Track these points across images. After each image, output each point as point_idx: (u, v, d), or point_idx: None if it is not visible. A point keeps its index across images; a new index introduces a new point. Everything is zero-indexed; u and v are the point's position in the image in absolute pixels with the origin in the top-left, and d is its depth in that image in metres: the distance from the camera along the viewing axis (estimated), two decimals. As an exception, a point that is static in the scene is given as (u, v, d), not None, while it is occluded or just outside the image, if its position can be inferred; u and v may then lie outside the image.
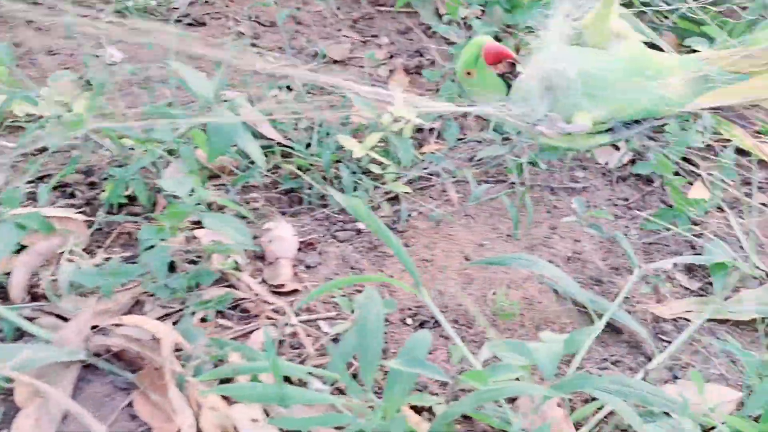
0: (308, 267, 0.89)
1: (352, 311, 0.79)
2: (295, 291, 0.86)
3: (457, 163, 1.08)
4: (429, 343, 0.67)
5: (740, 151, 1.20)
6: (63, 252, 0.80)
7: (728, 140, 1.22)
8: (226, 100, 0.89)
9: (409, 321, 0.83)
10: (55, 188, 0.93)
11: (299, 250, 0.92)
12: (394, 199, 1.02)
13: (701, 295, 0.93)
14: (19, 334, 0.73)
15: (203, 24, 1.46)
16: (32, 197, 0.91)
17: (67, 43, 1.25)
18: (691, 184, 1.12)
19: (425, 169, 1.05)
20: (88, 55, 1.20)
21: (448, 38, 1.43)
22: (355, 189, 0.99)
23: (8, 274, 0.78)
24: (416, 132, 1.16)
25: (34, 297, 0.78)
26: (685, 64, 0.77)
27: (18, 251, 0.80)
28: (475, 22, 1.30)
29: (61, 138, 0.88)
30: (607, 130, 0.76)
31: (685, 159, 1.16)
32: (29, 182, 0.92)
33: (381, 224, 0.71)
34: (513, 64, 0.75)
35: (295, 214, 0.99)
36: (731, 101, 0.76)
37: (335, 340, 0.78)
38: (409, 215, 0.99)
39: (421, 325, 0.82)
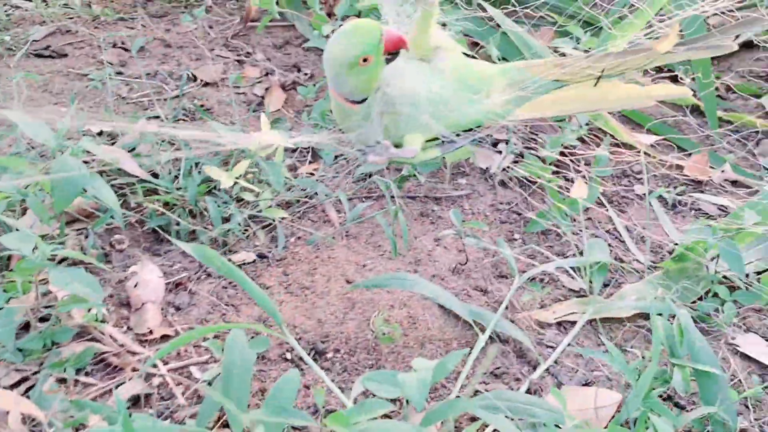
0: (178, 309, 0.85)
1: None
2: (165, 337, 0.81)
3: (336, 181, 1.06)
4: (297, 385, 0.64)
5: (617, 144, 1.24)
6: None
7: (606, 133, 1.25)
8: (70, 147, 0.82)
9: (288, 355, 0.79)
10: None
11: (169, 291, 0.87)
12: (272, 226, 0.98)
13: (585, 295, 0.94)
14: None
15: (65, 55, 1.37)
16: None
17: None
18: (571, 181, 1.12)
19: (303, 190, 1.03)
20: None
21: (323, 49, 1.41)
22: (227, 220, 0.94)
23: None
24: (292, 152, 1.13)
25: None
26: (504, 73, 0.78)
27: None
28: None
29: None
30: (435, 143, 0.76)
31: (563, 155, 1.17)
32: None
33: (233, 268, 0.67)
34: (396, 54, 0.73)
35: (165, 252, 0.93)
36: (549, 113, 0.78)
37: (209, 386, 0.74)
38: (287, 241, 0.96)
39: (301, 358, 0.79)
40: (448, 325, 0.86)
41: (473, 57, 0.81)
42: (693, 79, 1.37)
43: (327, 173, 1.06)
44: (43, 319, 0.78)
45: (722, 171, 1.23)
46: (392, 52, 0.74)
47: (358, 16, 1.33)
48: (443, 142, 0.75)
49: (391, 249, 0.95)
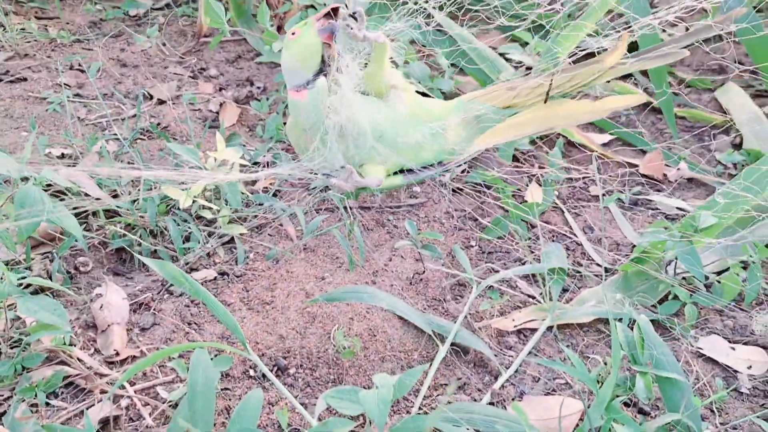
0: (143, 329, 0.88)
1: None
2: (131, 358, 0.84)
3: (293, 194, 1.10)
4: (260, 406, 0.67)
5: (572, 145, 1.26)
6: None
7: (558, 135, 1.29)
8: (29, 176, 0.85)
9: (251, 372, 0.83)
10: None
11: (133, 312, 0.90)
12: (232, 242, 1.02)
13: (544, 302, 0.94)
14: None
15: (24, 79, 1.38)
16: None
17: None
18: (526, 185, 1.15)
19: (260, 205, 1.06)
20: None
21: (276, 62, 1.45)
22: (187, 239, 0.98)
23: None
24: (251, 165, 1.17)
25: None
26: (458, 108, 0.81)
27: None
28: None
29: None
30: (402, 172, 0.79)
31: (516, 159, 1.21)
32: None
33: (197, 285, 0.71)
34: (333, 34, 0.76)
35: (127, 272, 0.97)
36: (507, 138, 0.81)
37: (175, 406, 0.78)
38: (247, 257, 1.00)
39: (263, 376, 0.83)
40: (408, 336, 0.89)
41: (427, 95, 0.85)
42: (646, 75, 1.41)
43: (283, 187, 1.10)
44: (13, 344, 0.81)
45: (678, 169, 1.24)
46: (324, 19, 0.76)
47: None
48: (404, 171, 0.78)
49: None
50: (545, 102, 0.80)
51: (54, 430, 0.70)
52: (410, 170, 0.79)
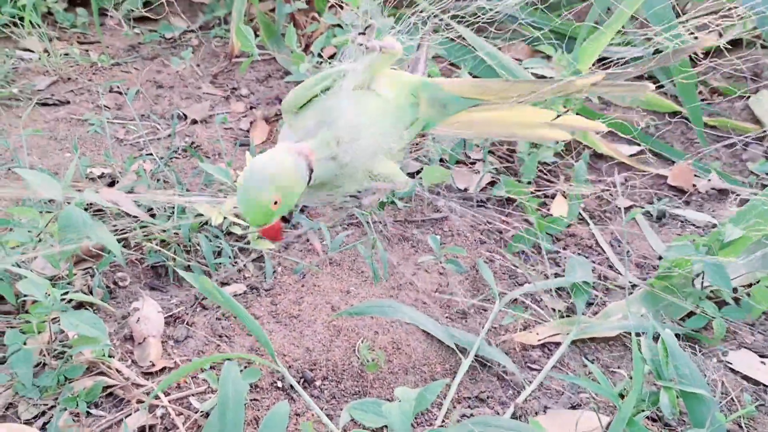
0: (177, 342, 0.93)
1: (220, 382, 0.83)
2: (165, 369, 0.89)
3: (318, 210, 1.13)
4: (287, 417, 0.70)
5: (599, 156, 1.25)
6: None
7: (584, 146, 1.28)
8: (73, 196, 0.91)
9: (279, 384, 0.87)
10: None
11: (168, 325, 0.95)
12: (261, 257, 1.06)
13: (569, 315, 0.94)
14: None
15: (67, 102, 1.45)
16: None
17: None
18: (552, 197, 1.16)
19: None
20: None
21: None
22: (218, 255, 1.03)
23: None
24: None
25: None
26: (423, 85, 0.79)
27: None
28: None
29: None
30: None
31: (542, 171, 1.21)
32: None
33: (229, 298, 0.75)
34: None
35: (163, 287, 1.02)
36: (465, 132, 0.80)
37: (207, 416, 0.82)
38: (275, 272, 1.04)
39: (291, 387, 0.86)
40: (432, 349, 0.91)
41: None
42: (673, 83, 1.39)
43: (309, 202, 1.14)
44: (57, 356, 0.86)
45: (708, 180, 1.21)
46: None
47: (335, 52, 1.41)
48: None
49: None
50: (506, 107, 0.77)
51: (94, 437, 0.75)
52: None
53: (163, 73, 1.57)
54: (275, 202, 0.66)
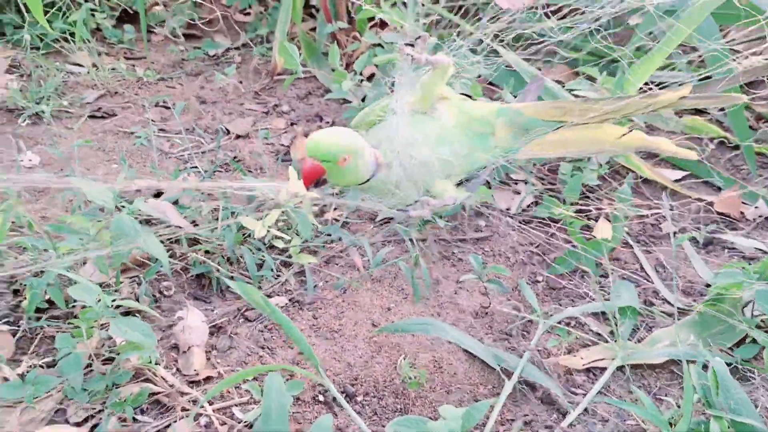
0: (221, 352, 0.94)
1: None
2: (209, 378, 0.90)
3: (359, 226, 1.14)
4: (330, 430, 0.71)
5: (644, 180, 1.24)
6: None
7: (628, 170, 1.27)
8: (123, 206, 0.93)
9: (320, 398, 0.87)
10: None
11: (211, 335, 0.96)
12: (302, 271, 1.07)
13: (613, 340, 0.93)
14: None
15: (114, 115, 1.49)
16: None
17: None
18: (595, 220, 1.13)
19: (329, 236, 1.12)
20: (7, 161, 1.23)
21: (346, 98, 1.51)
22: (260, 267, 1.04)
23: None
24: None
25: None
26: (501, 113, 0.81)
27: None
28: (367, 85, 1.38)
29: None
30: (460, 184, 0.82)
31: (586, 196, 1.20)
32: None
33: (276, 310, 0.76)
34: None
35: (206, 297, 1.03)
36: (550, 153, 0.81)
37: (250, 426, 0.83)
38: (316, 286, 1.05)
39: (334, 400, 0.86)
40: (474, 369, 0.90)
41: (468, 97, 0.85)
42: (722, 110, 1.38)
43: (351, 219, 1.15)
44: (104, 361, 0.88)
45: (756, 207, 1.20)
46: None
47: (373, 72, 1.43)
48: (462, 182, 0.81)
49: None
50: (592, 123, 0.79)
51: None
52: (467, 180, 0.82)
53: (206, 88, 1.61)
54: (344, 159, 0.73)
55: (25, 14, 1.64)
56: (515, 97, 1.34)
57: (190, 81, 1.65)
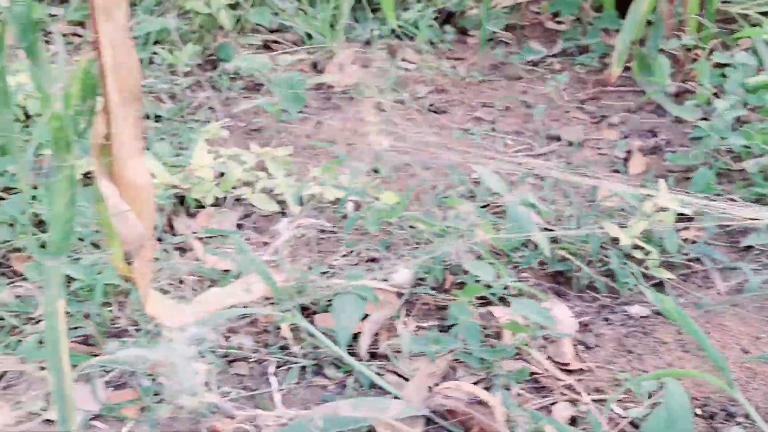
0: (587, 347, 0.98)
1: (649, 396, 0.86)
2: (579, 370, 0.94)
3: (721, 250, 1.12)
4: None
5: None
6: (393, 320, 0.97)
7: None
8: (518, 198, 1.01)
9: (698, 411, 0.88)
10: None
11: (576, 330, 1.01)
12: (657, 285, 1.08)
13: None
14: (370, 386, 0.89)
15: (445, 112, 1.62)
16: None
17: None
18: None
19: (685, 255, 1.11)
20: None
21: (681, 118, 1.49)
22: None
23: (356, 336, 0.95)
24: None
25: (373, 356, 0.95)
26: None
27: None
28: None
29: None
30: None
31: None
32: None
33: (694, 325, 0.78)
34: None
35: (562, 294, 1.08)
36: None
37: (632, 423, 0.85)
38: (677, 301, 1.05)
39: (712, 417, 0.87)
40: None
41: None
42: None
43: (711, 241, 1.13)
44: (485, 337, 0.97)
45: None
46: None
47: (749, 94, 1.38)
48: None
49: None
50: None
51: (537, 417, 0.83)
52: None
53: (528, 93, 1.68)
54: None
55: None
56: None
57: (510, 84, 1.73)
